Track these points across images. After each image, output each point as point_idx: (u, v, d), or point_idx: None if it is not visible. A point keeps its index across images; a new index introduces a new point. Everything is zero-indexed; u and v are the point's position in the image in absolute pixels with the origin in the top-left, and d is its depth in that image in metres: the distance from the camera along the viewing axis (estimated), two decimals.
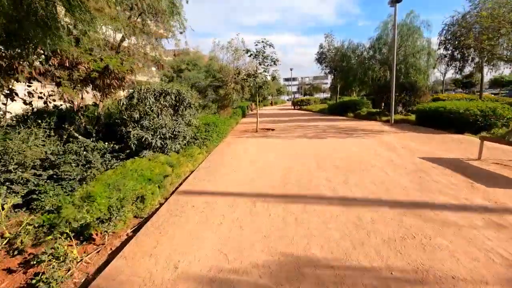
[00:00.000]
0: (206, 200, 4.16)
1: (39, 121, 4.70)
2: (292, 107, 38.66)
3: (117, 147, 5.30)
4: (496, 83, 38.02)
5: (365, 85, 21.21)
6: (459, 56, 14.29)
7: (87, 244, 2.99)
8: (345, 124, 14.27)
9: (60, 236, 2.69)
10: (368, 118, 16.75)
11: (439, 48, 14.81)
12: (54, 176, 3.98)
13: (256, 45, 12.52)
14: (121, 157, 5.43)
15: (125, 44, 8.56)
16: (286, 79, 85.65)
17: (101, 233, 3.08)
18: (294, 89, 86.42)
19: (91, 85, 6.74)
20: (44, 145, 4.31)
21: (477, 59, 14.04)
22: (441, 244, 2.73)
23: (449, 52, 14.48)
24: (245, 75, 13.31)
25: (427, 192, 4.17)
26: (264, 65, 12.78)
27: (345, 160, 6.37)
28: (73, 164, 4.24)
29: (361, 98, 27.63)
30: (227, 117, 14.83)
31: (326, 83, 70.96)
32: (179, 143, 7.22)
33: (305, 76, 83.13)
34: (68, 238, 2.76)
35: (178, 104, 7.80)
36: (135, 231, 3.32)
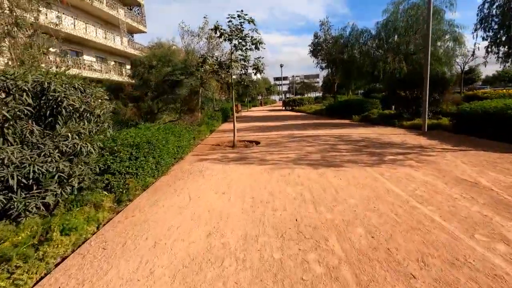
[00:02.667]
0: None
1: None
2: (283, 108, 34.75)
3: None
4: None
5: (369, 80, 17.37)
6: (506, 38, 10.56)
7: None
8: (358, 133, 10.33)
9: None
10: (383, 123, 12.91)
11: (475, 30, 11.03)
12: None
13: (230, 21, 8.44)
14: None
15: None
16: (277, 78, 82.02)
17: None
18: (285, 88, 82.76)
19: None
20: None
21: None
22: None
23: (491, 34, 10.70)
24: (214, 65, 9.18)
25: None
26: (242, 50, 8.71)
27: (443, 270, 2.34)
28: None
29: (357, 96, 23.93)
30: (194, 125, 10.70)
31: (317, 82, 67.58)
32: (54, 194, 3.12)
33: (296, 75, 79.63)
34: None
35: (47, 111, 3.68)
36: None
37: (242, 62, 8.98)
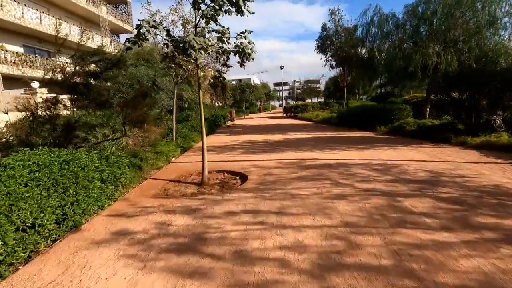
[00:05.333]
0: None
1: None
2: (284, 115, 30.87)
3: None
4: None
5: (400, 79, 13.43)
6: None
7: None
8: (410, 160, 6.36)
9: None
10: (429, 139, 8.95)
11: None
12: None
13: None
14: None
15: None
16: (276, 84, 78.73)
17: None
18: (285, 93, 79.31)
19: None
20: None
21: None
22: None
23: None
24: (171, 52, 5.24)
25: None
26: (213, 15, 4.82)
27: None
28: None
29: (363, 101, 20.05)
30: (145, 146, 6.79)
31: (319, 87, 63.74)
32: None
33: (296, 80, 76.25)
34: None
35: None
36: None
37: (214, 40, 5.08)
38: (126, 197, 4.73)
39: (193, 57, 5.00)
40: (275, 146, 9.38)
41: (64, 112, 6.25)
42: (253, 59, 5.64)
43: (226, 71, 10.07)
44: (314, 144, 9.39)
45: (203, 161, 5.52)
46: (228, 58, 5.78)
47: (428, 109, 13.04)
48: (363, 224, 3.04)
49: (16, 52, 16.73)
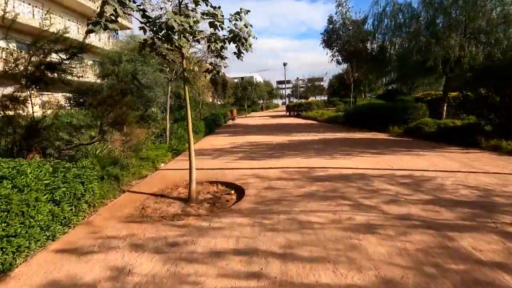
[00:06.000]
0: None
1: None
2: (287, 114, 29.78)
3: None
4: None
5: (417, 74, 12.26)
6: None
7: None
8: (442, 171, 5.31)
9: None
10: (452, 142, 7.88)
11: None
12: None
13: None
14: None
15: None
16: (279, 82, 77.62)
17: None
18: (288, 91, 78.12)
19: None
20: None
21: None
22: None
23: None
24: (150, 38, 4.22)
25: None
26: (208, 2, 3.80)
27: None
28: None
29: (368, 99, 18.92)
30: (126, 152, 5.83)
31: (322, 85, 62.31)
32: None
33: (300, 78, 75.00)
34: None
35: None
36: None
37: (203, 23, 4.07)
38: (90, 220, 3.75)
39: (176, 44, 4.00)
40: (278, 149, 8.36)
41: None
42: (250, 46, 4.63)
43: (222, 64, 9.06)
44: (322, 147, 8.35)
45: (190, 173, 4.53)
46: (222, 47, 4.75)
47: (445, 108, 11.93)
48: (412, 286, 2.01)
49: None
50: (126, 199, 4.70)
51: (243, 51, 4.67)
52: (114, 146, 5.65)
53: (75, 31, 20.69)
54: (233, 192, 4.83)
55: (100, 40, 22.19)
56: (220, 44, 4.67)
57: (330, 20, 16.06)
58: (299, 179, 5.03)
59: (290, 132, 12.79)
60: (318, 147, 8.37)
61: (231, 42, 4.49)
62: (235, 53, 4.76)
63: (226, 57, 5.69)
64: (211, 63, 5.34)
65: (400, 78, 13.30)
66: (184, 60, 4.38)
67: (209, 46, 4.77)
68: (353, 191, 4.17)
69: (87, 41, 5.56)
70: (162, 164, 7.24)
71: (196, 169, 5.87)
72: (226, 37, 4.44)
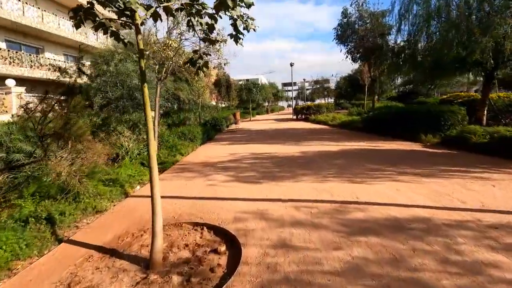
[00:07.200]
0: None
1: None
2: (295, 117, 27.92)
3: None
4: None
5: (455, 70, 10.31)
6: None
7: None
8: None
9: None
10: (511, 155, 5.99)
11: None
12: None
13: None
14: None
15: None
16: (285, 84, 75.88)
17: None
18: (294, 94, 76.25)
19: None
20: None
21: None
22: None
23: None
24: (88, 2, 2.58)
25: None
26: None
27: None
28: None
29: (386, 102, 17.02)
30: (80, 175, 4.11)
31: (329, 87, 60.19)
32: None
33: (306, 79, 73.03)
34: None
35: None
36: None
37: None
38: None
39: (121, 6, 2.32)
40: (289, 166, 6.57)
41: None
42: (253, 22, 2.97)
43: (214, 52, 7.40)
44: (344, 163, 6.53)
45: (153, 222, 2.80)
46: (212, 27, 3.04)
47: (485, 112, 10.00)
48: None
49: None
50: (58, 257, 2.99)
51: (242, 31, 3.00)
52: (61, 167, 3.96)
53: (70, 29, 19.44)
54: (222, 246, 3.05)
55: (97, 39, 20.83)
56: (205, 20, 3.00)
57: (345, 13, 14.22)
58: (326, 227, 3.24)
59: (299, 140, 10.98)
60: (338, 163, 6.55)
61: (226, 13, 2.79)
62: (231, 36, 3.10)
63: (218, 41, 3.99)
64: (195, 51, 3.61)
65: (430, 76, 11.38)
66: (140, 35, 2.68)
67: (189, 22, 3.05)
68: (428, 263, 2.35)
69: (80, 39, 4.06)
70: (138, 187, 5.52)
71: (178, 197, 4.15)
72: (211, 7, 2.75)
